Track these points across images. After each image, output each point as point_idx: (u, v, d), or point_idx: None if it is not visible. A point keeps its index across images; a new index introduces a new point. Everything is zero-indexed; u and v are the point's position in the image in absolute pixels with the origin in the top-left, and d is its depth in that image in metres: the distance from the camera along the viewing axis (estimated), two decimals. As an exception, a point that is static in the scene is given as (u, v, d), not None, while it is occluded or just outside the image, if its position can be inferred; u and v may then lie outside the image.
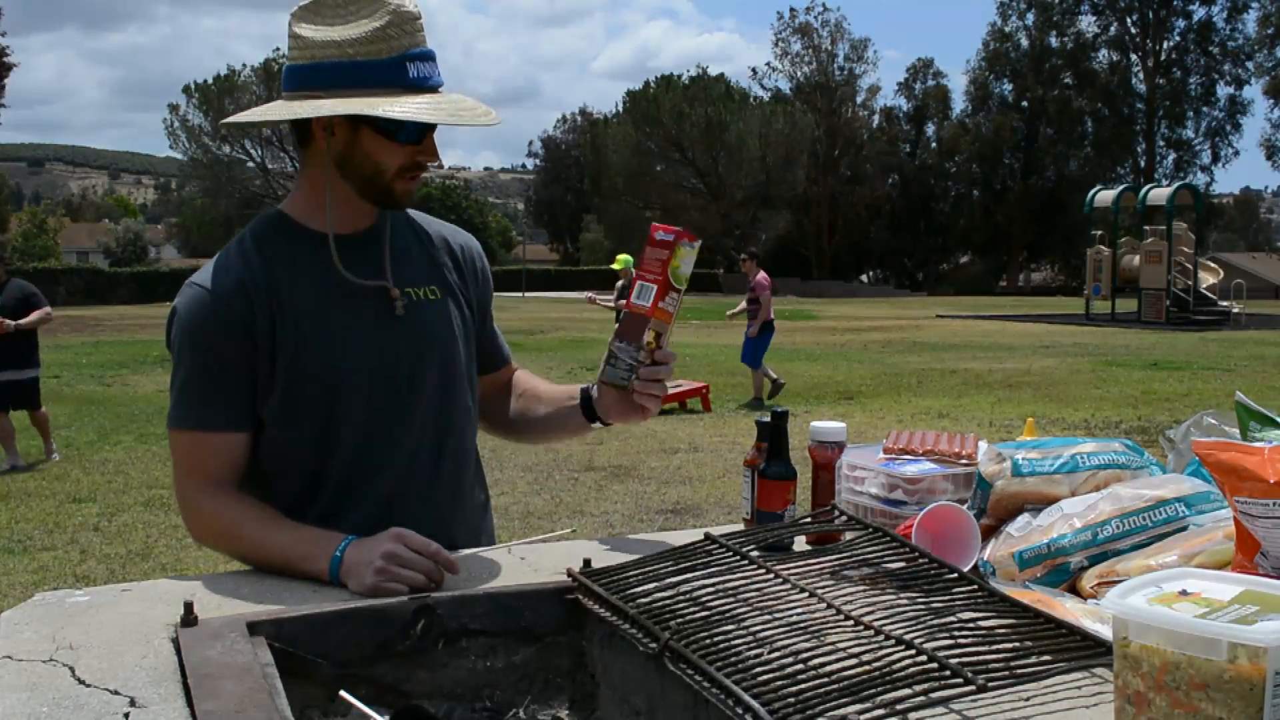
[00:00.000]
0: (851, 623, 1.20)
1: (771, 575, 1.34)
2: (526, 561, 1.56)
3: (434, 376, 1.66)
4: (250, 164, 54.10)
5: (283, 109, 1.55)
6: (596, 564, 1.42)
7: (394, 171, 1.58)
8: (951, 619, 1.23)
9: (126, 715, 1.05)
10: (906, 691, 1.05)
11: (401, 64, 1.53)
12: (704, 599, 1.28)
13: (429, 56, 1.57)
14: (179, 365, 1.59)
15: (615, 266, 12.63)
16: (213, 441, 1.57)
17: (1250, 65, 54.16)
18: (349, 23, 1.54)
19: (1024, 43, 57.38)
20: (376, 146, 1.56)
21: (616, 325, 1.62)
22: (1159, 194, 25.39)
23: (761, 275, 11.76)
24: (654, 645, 1.18)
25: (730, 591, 1.31)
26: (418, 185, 1.64)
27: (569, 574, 1.41)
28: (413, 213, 1.76)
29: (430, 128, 1.57)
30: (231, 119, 1.70)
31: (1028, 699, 1.08)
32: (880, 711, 1.02)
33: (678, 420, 10.75)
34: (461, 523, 1.72)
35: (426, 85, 1.56)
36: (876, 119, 60.42)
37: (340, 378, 1.60)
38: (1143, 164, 55.01)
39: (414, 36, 1.55)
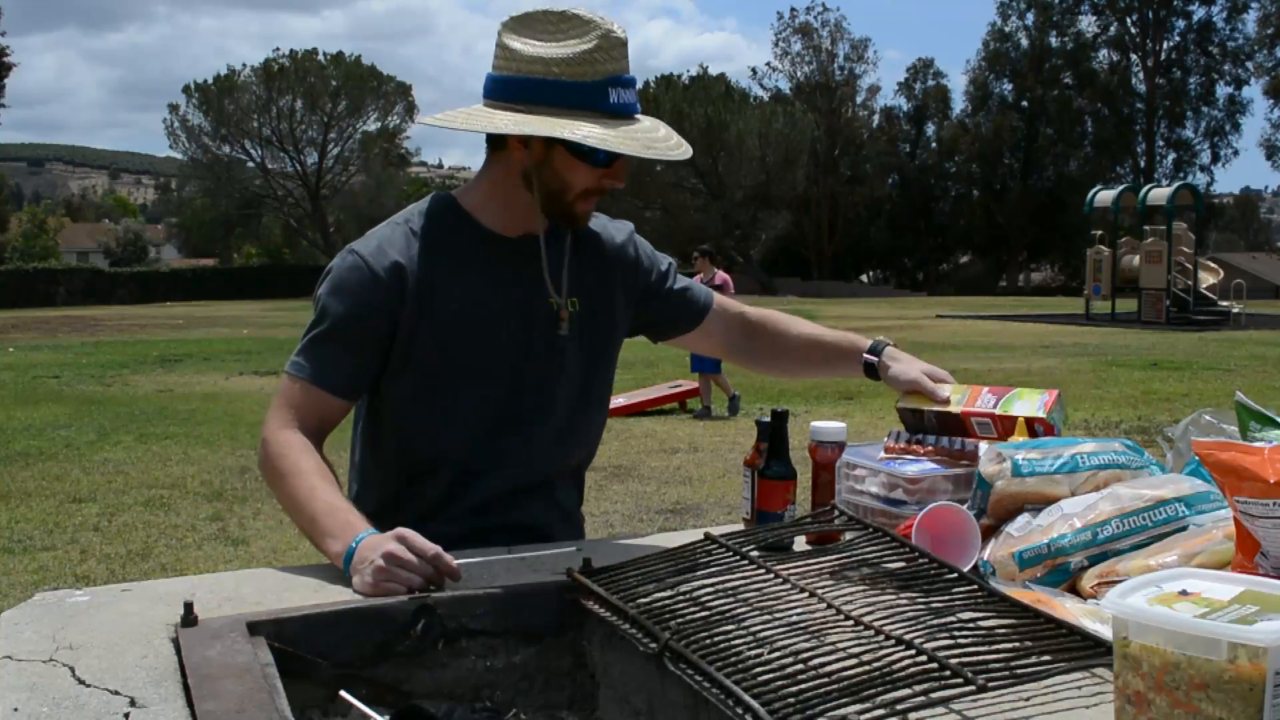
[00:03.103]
0: (851, 623, 1.20)
1: (771, 575, 1.34)
2: (526, 562, 1.56)
3: (560, 388, 1.71)
4: (250, 164, 54.07)
5: (485, 120, 1.59)
6: (596, 564, 1.42)
7: (579, 191, 1.62)
8: (951, 619, 1.23)
9: (126, 715, 1.05)
10: (906, 691, 1.05)
11: (604, 89, 1.56)
12: (704, 599, 1.28)
13: (630, 83, 1.60)
14: (317, 320, 1.66)
15: None
16: (317, 396, 1.64)
17: (1250, 65, 54.12)
18: (558, 41, 1.57)
19: (1024, 43, 57.30)
20: (567, 166, 1.60)
21: (936, 408, 1.74)
22: (1159, 194, 25.35)
23: (723, 274, 11.45)
24: (654, 645, 1.18)
25: (730, 591, 1.31)
26: (594, 205, 1.69)
27: (569, 574, 1.41)
28: None
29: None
30: (431, 120, 1.68)
31: (1028, 699, 1.08)
32: (880, 711, 1.02)
33: (678, 420, 10.74)
34: (564, 530, 1.77)
35: (625, 112, 1.59)
36: (876, 119, 60.35)
37: (469, 378, 1.66)
38: (1143, 164, 54.97)
39: (619, 62, 1.58)
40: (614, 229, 1.84)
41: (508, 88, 1.59)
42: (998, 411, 1.65)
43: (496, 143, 1.65)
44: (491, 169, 1.69)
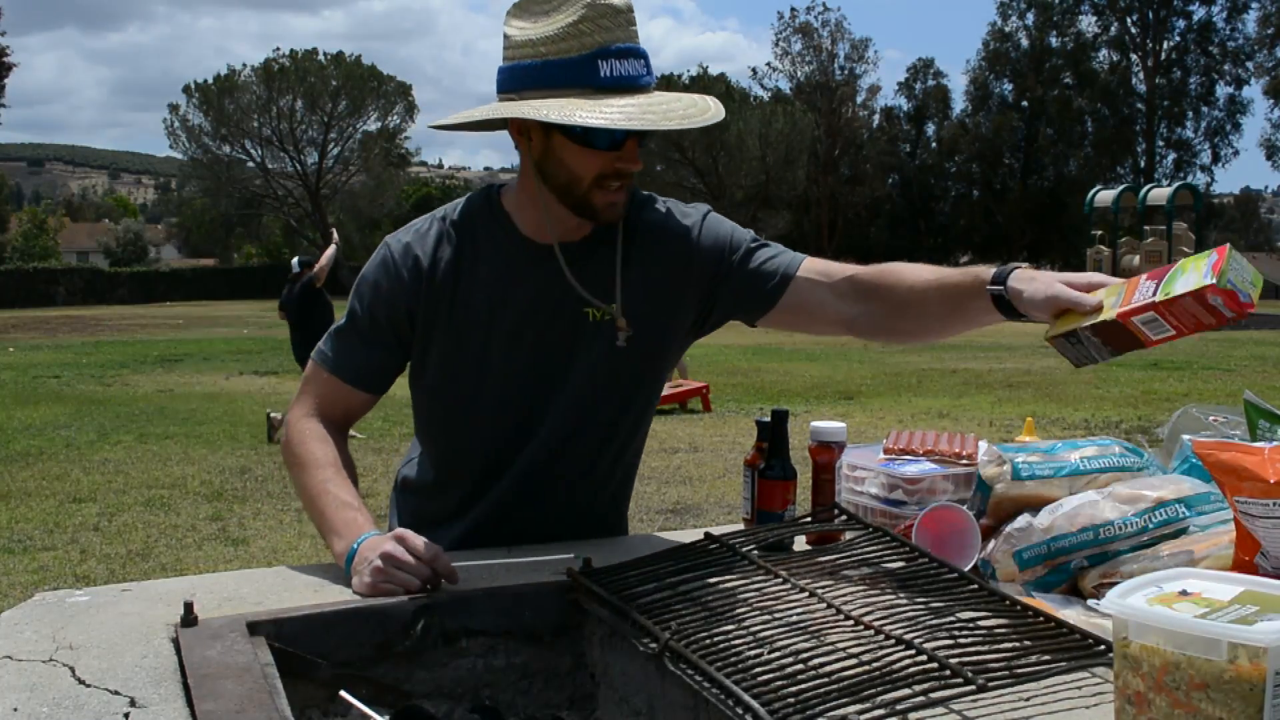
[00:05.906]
0: (851, 623, 1.20)
1: (771, 575, 1.34)
2: (526, 562, 1.55)
3: (585, 399, 1.63)
4: (250, 164, 54.00)
5: (466, 114, 1.54)
6: (596, 564, 1.42)
7: (590, 180, 1.50)
8: (951, 619, 1.23)
9: (126, 715, 1.05)
10: (906, 691, 1.05)
11: (592, 62, 1.43)
12: (704, 599, 1.28)
13: (631, 53, 1.45)
14: (347, 311, 1.66)
15: None
16: (337, 386, 1.65)
17: (1250, 65, 54.09)
18: (548, 18, 1.47)
19: (1024, 43, 57.27)
20: (570, 153, 1.49)
21: (1088, 321, 1.34)
22: (1159, 194, 25.39)
23: None
24: (654, 645, 1.18)
25: (730, 591, 1.31)
26: (623, 197, 1.54)
27: (569, 574, 1.41)
28: (646, 200, 1.67)
29: (631, 132, 1.46)
30: (440, 123, 1.60)
31: (1028, 699, 1.08)
32: (880, 711, 1.02)
33: (678, 420, 10.74)
34: (585, 533, 1.73)
35: (622, 85, 1.44)
36: (877, 119, 60.33)
37: (485, 383, 1.63)
38: (1143, 164, 54.95)
39: (611, 32, 1.44)
40: (679, 216, 1.65)
41: (504, 77, 1.51)
42: (1159, 299, 1.27)
43: (514, 137, 1.56)
44: (521, 167, 1.59)
